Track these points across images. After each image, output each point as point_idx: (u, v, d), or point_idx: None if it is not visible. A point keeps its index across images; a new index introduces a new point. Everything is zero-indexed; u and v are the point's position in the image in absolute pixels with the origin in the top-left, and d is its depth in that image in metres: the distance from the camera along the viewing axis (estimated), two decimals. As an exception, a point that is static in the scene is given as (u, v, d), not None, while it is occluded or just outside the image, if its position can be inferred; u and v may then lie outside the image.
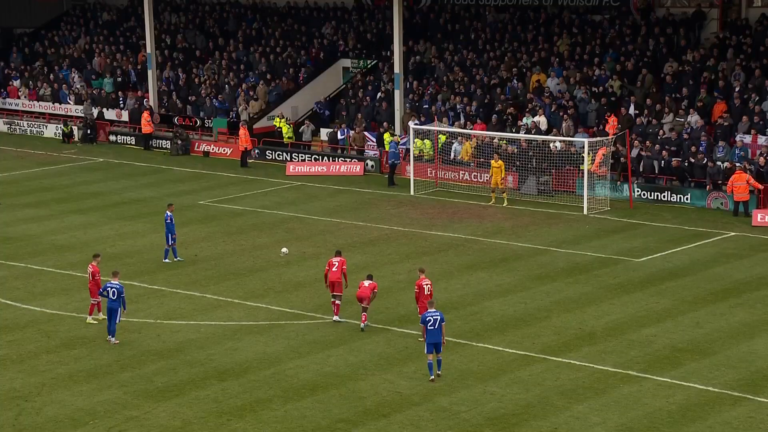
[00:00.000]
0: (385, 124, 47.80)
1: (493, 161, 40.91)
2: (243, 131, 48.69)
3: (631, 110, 44.23)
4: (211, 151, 51.41)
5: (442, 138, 44.64)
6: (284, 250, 32.51)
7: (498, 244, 35.06)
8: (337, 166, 47.19)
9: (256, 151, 49.69)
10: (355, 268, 32.76)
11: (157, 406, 22.89)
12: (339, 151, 48.69)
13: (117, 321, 26.36)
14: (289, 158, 48.71)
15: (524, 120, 45.63)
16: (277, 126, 50.71)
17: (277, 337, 26.93)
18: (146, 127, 52.72)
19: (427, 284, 26.74)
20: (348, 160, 47.73)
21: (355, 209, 40.37)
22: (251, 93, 53.64)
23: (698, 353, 25.27)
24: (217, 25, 60.21)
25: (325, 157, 48.21)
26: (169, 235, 33.08)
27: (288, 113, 52.14)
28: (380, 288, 30.62)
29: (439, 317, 23.76)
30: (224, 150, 51.21)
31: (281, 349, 26.10)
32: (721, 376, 23.79)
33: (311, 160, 48.19)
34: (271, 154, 49.74)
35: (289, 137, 49.82)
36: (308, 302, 29.51)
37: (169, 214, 33.11)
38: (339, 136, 48.82)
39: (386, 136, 46.40)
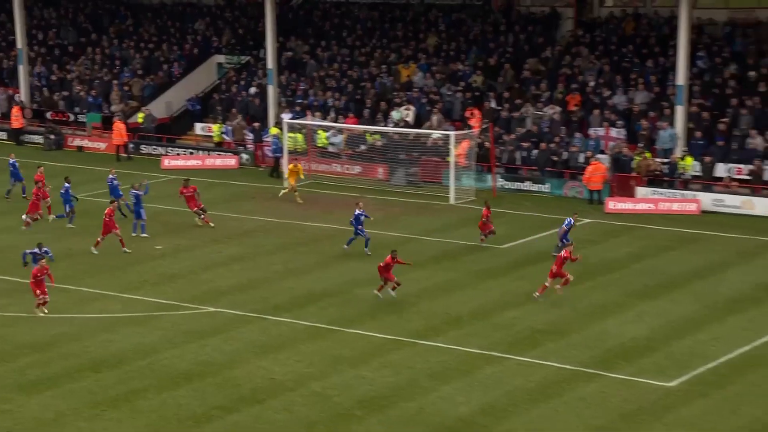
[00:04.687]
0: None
1: (290, 165, 40.56)
2: (119, 125, 47.89)
3: (494, 104, 45.16)
4: (84, 145, 50.35)
5: (322, 134, 44.77)
6: None
7: (370, 234, 35.28)
8: (212, 160, 46.79)
9: (131, 146, 48.86)
10: (230, 259, 32.65)
11: (30, 399, 22.33)
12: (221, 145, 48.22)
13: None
14: (164, 152, 48.04)
15: (393, 114, 46.09)
16: (141, 122, 49.88)
17: (153, 328, 26.57)
18: (16, 122, 51.41)
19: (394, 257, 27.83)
20: (223, 153, 47.39)
21: (231, 202, 40.06)
22: (125, 88, 52.68)
23: (556, 334, 25.94)
24: (89, 21, 58.89)
25: (200, 151, 47.81)
26: None
27: (162, 108, 51.47)
28: (256, 279, 30.62)
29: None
30: (98, 145, 50.18)
31: (157, 339, 25.77)
32: (577, 355, 24.46)
33: (186, 154, 47.69)
34: (146, 148, 48.98)
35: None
36: (184, 293, 29.20)
37: (358, 212, 33.11)
38: (223, 132, 48.52)
39: (273, 130, 46.07)
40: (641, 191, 39.28)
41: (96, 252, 32.91)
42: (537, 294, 28.14)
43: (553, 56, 46.77)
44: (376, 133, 44.36)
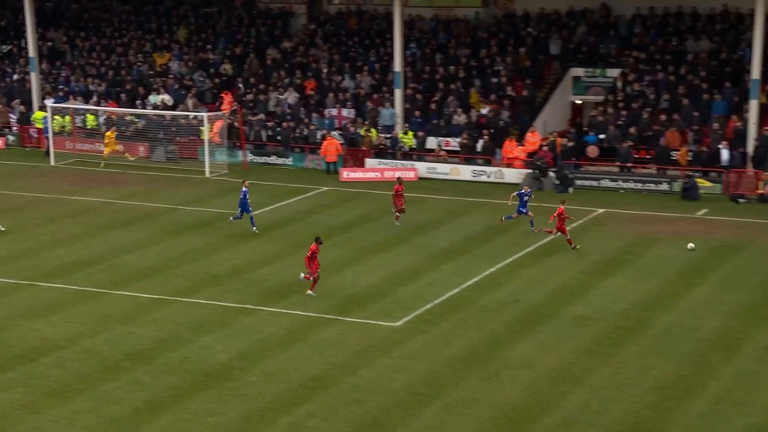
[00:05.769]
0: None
1: (108, 132, 40.07)
2: None
3: (241, 89, 44.75)
4: None
5: (90, 117, 42.83)
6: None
7: (133, 206, 34.16)
8: (-21, 142, 43.69)
9: None
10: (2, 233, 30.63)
11: None
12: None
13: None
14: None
15: (151, 98, 44.69)
16: None
17: (-76, 300, 24.51)
18: None
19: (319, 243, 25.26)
20: (-11, 136, 44.40)
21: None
22: None
23: (301, 286, 26.11)
24: None
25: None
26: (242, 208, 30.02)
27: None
28: (26, 249, 28.89)
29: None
30: None
31: (-71, 311, 23.80)
32: (319, 304, 24.74)
33: (-48, 137, 44.28)
34: None
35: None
36: (-45, 266, 27.12)
37: (243, 189, 30.05)
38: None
39: (38, 114, 43.55)
40: (369, 162, 40.23)
41: None
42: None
43: (291, 47, 46.90)
44: (134, 115, 42.89)
